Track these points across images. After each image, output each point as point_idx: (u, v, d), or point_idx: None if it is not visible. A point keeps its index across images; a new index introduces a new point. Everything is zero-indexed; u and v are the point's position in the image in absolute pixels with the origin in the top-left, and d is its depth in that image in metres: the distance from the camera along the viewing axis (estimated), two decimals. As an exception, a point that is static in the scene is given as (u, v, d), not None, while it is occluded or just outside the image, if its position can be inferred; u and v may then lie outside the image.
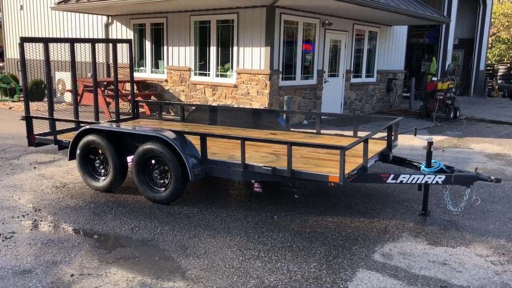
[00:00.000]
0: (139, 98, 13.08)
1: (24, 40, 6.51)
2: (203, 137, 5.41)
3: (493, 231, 5.05)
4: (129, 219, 5.18)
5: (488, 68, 27.23)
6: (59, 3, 13.10)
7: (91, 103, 12.41)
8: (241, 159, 5.20)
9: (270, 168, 5.07)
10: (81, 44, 7.77)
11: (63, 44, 7.90)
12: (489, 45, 33.34)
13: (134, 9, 12.59)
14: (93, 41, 7.60)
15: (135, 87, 13.74)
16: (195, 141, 5.47)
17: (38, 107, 14.33)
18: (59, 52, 7.75)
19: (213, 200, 5.86)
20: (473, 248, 4.57)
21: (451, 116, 13.73)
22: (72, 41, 7.19)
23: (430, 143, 5.24)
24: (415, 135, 5.69)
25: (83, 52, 7.74)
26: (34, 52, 7.03)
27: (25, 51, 6.44)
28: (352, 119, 10.21)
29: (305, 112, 11.52)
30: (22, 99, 15.95)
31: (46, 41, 6.77)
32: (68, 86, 14.76)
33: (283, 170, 5.02)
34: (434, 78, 14.56)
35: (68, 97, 14.75)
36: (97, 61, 7.57)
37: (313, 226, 5.06)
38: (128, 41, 8.38)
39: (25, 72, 6.62)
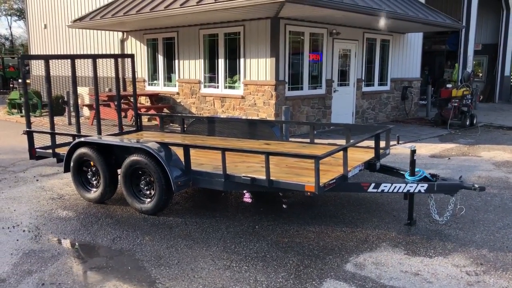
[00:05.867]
0: (152, 111, 13.42)
1: (23, 57, 6.80)
2: (186, 148, 5.49)
3: (478, 240, 4.90)
4: (113, 229, 5.29)
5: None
6: (74, 21, 13.59)
7: (107, 117, 12.83)
8: (222, 170, 5.25)
9: (249, 178, 5.09)
10: (91, 60, 7.95)
11: (83, 60, 8.18)
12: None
13: (146, 24, 12.91)
14: (94, 57, 7.82)
15: (148, 100, 14.12)
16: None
17: (57, 122, 14.84)
18: (78, 68, 7.88)
19: (200, 211, 5.92)
20: (451, 258, 4.45)
21: (467, 123, 13.39)
22: (72, 57, 7.42)
23: (413, 151, 5.15)
24: (397, 143, 5.61)
25: (100, 68, 7.85)
26: (55, 68, 7.20)
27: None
28: (361, 128, 10.15)
29: (298, 122, 11.42)
30: (44, 114, 16.58)
31: (46, 58, 7.02)
32: (86, 101, 15.26)
33: (261, 179, 5.04)
34: (449, 85, 14.25)
35: (86, 111, 15.22)
36: (110, 76, 7.75)
37: (292, 236, 5.05)
38: (130, 56, 8.58)
39: (26, 87, 6.90)
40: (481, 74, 23.60)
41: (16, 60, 30.31)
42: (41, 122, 14.83)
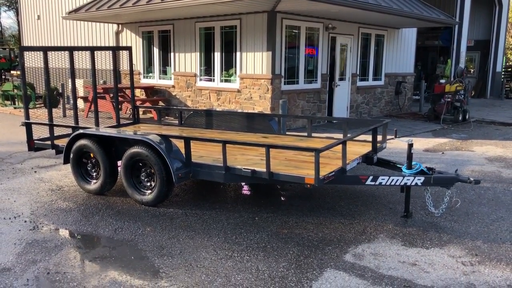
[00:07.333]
0: (147, 104, 13.43)
1: (23, 49, 6.79)
2: (187, 140, 5.55)
3: (472, 232, 5.03)
4: (114, 220, 5.35)
5: (509, 69, 26.70)
6: (70, 12, 13.52)
7: (102, 109, 12.81)
8: (223, 162, 5.32)
9: (249, 170, 5.17)
10: (88, 52, 7.93)
11: (79, 52, 8.15)
12: None
13: (142, 17, 12.88)
14: (92, 49, 7.82)
15: (143, 93, 14.11)
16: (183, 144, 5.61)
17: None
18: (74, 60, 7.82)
19: (200, 202, 5.99)
20: (447, 249, 4.57)
21: (460, 118, 13.56)
22: (71, 49, 7.42)
23: (410, 145, 5.26)
24: (395, 136, 5.71)
25: (95, 60, 7.80)
26: (49, 60, 7.14)
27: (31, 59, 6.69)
28: (357, 122, 10.27)
29: (296, 116, 11.50)
30: (38, 106, 16.51)
31: (45, 50, 7.02)
32: (81, 93, 15.20)
33: (262, 172, 5.12)
34: (442, 81, 14.41)
35: (80, 103, 15.16)
36: (105, 68, 7.77)
37: (292, 227, 5.14)
38: (127, 48, 8.57)
39: (25, 79, 6.90)
40: (473, 70, 23.83)
41: (7, 52, 30.00)
42: (35, 114, 14.75)
